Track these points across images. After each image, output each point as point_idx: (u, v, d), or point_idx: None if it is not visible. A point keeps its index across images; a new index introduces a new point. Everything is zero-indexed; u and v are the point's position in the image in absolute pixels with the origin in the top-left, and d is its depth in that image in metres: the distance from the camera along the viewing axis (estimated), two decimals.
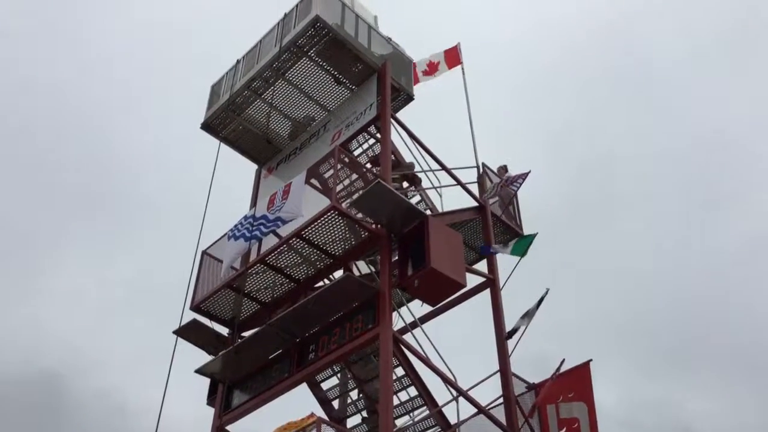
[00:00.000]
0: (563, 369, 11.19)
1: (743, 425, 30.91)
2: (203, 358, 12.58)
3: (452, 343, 12.07)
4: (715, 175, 39.52)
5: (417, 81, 15.08)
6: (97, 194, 38.91)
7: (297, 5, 13.45)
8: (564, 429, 11.31)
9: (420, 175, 13.77)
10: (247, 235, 11.72)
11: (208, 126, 14.77)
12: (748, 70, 40.81)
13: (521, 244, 13.42)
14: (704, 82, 41.50)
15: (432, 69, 15.51)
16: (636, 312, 34.18)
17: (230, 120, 14.56)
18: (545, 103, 41.64)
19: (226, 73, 14.76)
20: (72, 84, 40.06)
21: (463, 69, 15.63)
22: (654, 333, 34.19)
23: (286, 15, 13.61)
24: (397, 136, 13.30)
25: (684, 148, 40.59)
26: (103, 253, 38.60)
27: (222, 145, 14.87)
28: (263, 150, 15.02)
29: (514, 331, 12.06)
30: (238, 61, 14.52)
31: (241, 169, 15.58)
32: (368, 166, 13.66)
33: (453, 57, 15.80)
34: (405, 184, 13.73)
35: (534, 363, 11.70)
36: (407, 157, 13.71)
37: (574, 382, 11.23)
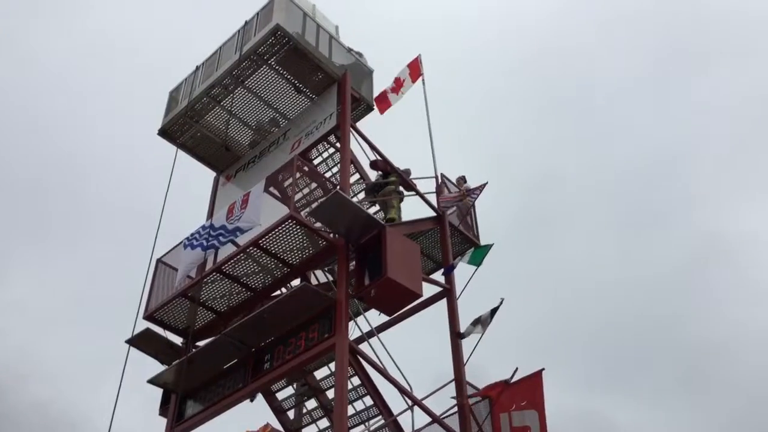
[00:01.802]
0: (516, 377, 11.33)
1: None
2: (154, 367, 12.38)
3: (408, 352, 12.12)
4: (654, 193, 40.89)
5: (388, 103, 14.92)
6: (44, 201, 37.79)
7: (258, 13, 13.44)
8: None
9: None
10: (205, 244, 11.63)
11: (165, 132, 14.61)
12: (687, 93, 42.41)
13: (478, 253, 13.64)
14: (644, 104, 42.91)
15: (399, 85, 15.59)
16: (572, 325, 34.99)
17: (188, 126, 14.43)
18: (489, 120, 42.46)
19: (185, 80, 14.64)
20: (19, 86, 38.98)
21: (423, 80, 15.77)
22: (589, 345, 34.98)
23: (246, 23, 13.59)
24: (356, 146, 13.38)
25: (624, 166, 41.93)
26: (49, 262, 37.46)
27: (179, 151, 14.70)
28: (222, 157, 14.91)
29: (465, 335, 12.17)
30: (197, 68, 14.41)
31: (198, 176, 15.45)
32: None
33: (415, 69, 15.93)
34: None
35: (473, 371, 11.88)
36: (366, 167, 13.78)
37: (527, 391, 11.38)
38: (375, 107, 14.09)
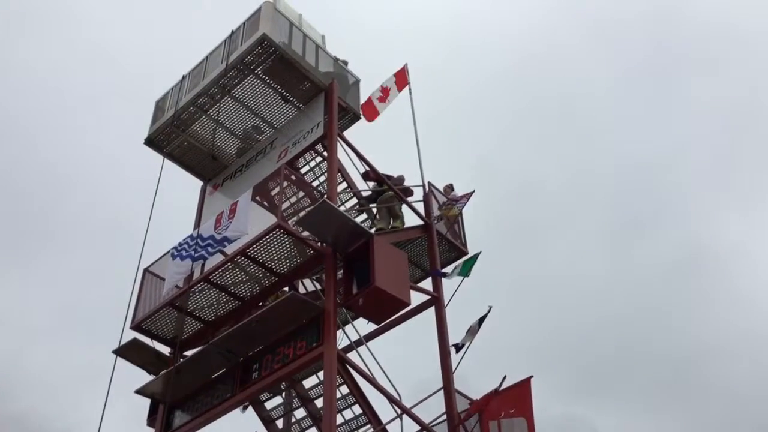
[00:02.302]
0: (505, 385, 11.38)
1: None
2: (141, 378, 12.30)
3: (397, 361, 12.15)
4: (638, 199, 41.29)
5: (376, 112, 15.00)
6: (27, 210, 37.30)
7: (244, 23, 13.47)
8: None
9: (365, 194, 13.89)
10: (194, 255, 11.62)
11: (151, 141, 14.58)
12: (671, 99, 42.87)
13: (467, 264, 13.69)
14: (627, 111, 43.29)
15: (385, 94, 15.67)
16: (556, 331, 35.21)
17: (175, 136, 14.41)
18: (470, 128, 42.70)
19: (171, 89, 14.63)
20: (1, 95, 38.63)
21: (410, 89, 15.88)
22: (573, 352, 35.19)
23: (233, 32, 13.61)
24: (344, 155, 13.43)
25: (607, 173, 42.30)
26: (32, 272, 36.99)
27: (166, 161, 14.67)
28: (208, 166, 14.91)
29: (461, 345, 12.25)
30: (183, 77, 14.41)
31: (185, 186, 15.42)
32: (362, 180, 13.62)
33: (401, 78, 16.03)
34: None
35: (461, 379, 11.95)
36: (353, 175, 13.83)
37: (516, 398, 11.44)
38: (362, 116, 14.13)
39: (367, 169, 13.51)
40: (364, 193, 13.95)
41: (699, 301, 36.79)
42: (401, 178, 13.78)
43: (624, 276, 38.46)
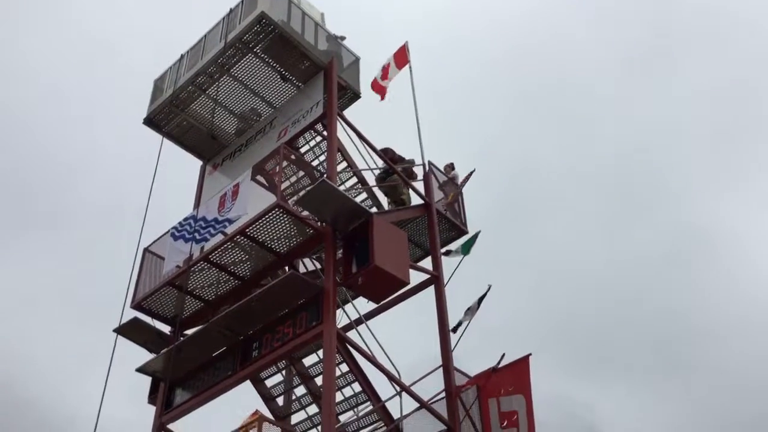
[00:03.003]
0: (503, 363, 11.47)
1: (646, 426, 32.38)
2: (141, 357, 12.36)
3: (396, 339, 12.22)
4: (635, 183, 41.34)
5: (382, 89, 14.98)
6: (25, 191, 37.23)
7: (242, 1, 13.35)
8: (505, 422, 11.59)
9: (365, 173, 13.89)
10: (197, 237, 11.66)
11: (150, 121, 14.53)
12: (669, 83, 42.74)
13: (466, 243, 13.74)
14: (625, 94, 43.22)
15: (385, 73, 15.60)
16: (555, 313, 35.42)
17: (174, 115, 14.35)
18: (468, 110, 42.56)
19: (170, 68, 14.54)
20: None
21: (410, 68, 15.77)
22: (570, 334, 35.42)
23: (231, 10, 13.49)
24: (343, 134, 13.39)
25: (605, 156, 42.28)
26: (31, 253, 36.94)
27: (165, 141, 14.63)
28: (208, 146, 14.86)
29: (458, 325, 12.34)
30: (182, 56, 14.32)
31: (184, 165, 15.40)
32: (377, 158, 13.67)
33: (401, 57, 15.92)
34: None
35: (460, 357, 12.07)
36: (353, 155, 13.81)
37: (514, 376, 11.53)
38: (361, 96, 14.04)
39: (387, 148, 13.54)
40: (365, 173, 13.94)
41: (694, 283, 37.03)
42: (411, 162, 13.80)
43: (621, 258, 38.66)
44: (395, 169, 13.49)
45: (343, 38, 14.19)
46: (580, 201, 40.90)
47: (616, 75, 43.69)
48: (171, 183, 15.63)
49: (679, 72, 42.37)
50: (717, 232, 37.86)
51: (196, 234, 11.51)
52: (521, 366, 11.35)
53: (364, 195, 14.08)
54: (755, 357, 32.17)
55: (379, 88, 14.68)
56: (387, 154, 13.60)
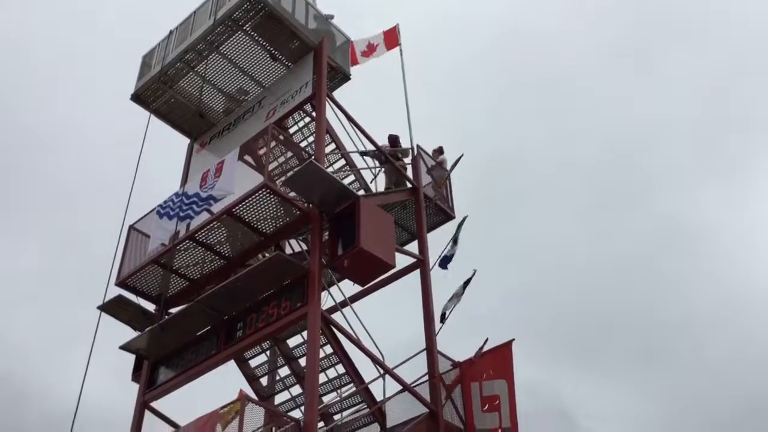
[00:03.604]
0: (486, 348, 11.54)
1: (620, 414, 32.90)
2: (122, 335, 12.32)
3: (381, 322, 12.27)
4: (617, 175, 41.74)
5: (356, 61, 15.11)
6: (7, 168, 36.71)
7: None
8: (486, 406, 11.69)
9: (353, 155, 13.84)
10: (181, 214, 11.58)
11: (138, 97, 14.37)
12: (651, 74, 42.96)
13: (457, 229, 13.77)
14: (608, 87, 43.49)
15: (371, 50, 15.54)
16: (537, 302, 35.71)
17: (162, 92, 14.20)
18: (453, 97, 42.53)
19: (158, 44, 14.36)
20: None
21: (401, 50, 15.69)
22: (550, 321, 35.72)
23: None
24: (332, 116, 13.32)
25: (587, 148, 42.57)
26: (14, 230, 36.63)
27: (153, 118, 14.49)
28: (196, 124, 14.74)
29: (443, 313, 12.40)
30: (170, 32, 14.13)
31: (172, 143, 15.27)
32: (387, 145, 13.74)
33: (392, 38, 15.84)
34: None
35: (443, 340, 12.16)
36: (342, 136, 13.76)
37: (496, 361, 11.61)
38: (351, 77, 13.96)
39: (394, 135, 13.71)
40: (352, 155, 13.89)
41: (674, 275, 37.48)
42: (407, 150, 13.85)
43: (602, 249, 39.06)
44: (386, 154, 13.47)
45: (331, 17, 14.04)
46: (563, 191, 41.29)
47: (599, 70, 44.25)
48: (158, 160, 15.52)
49: (661, 68, 42.80)
50: (696, 225, 38.42)
51: (179, 211, 11.43)
52: (504, 351, 11.42)
53: (351, 177, 14.04)
54: (732, 349, 32.73)
55: (354, 60, 14.61)
56: (394, 143, 13.63)
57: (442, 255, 13.16)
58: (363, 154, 13.65)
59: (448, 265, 13.25)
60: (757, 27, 40.17)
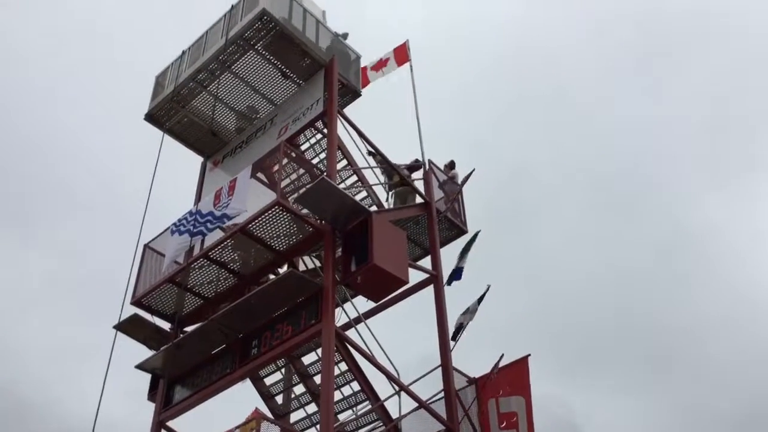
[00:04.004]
0: (502, 363, 11.45)
1: (629, 425, 32.46)
2: (136, 355, 12.34)
3: (395, 338, 12.22)
4: (623, 184, 41.57)
5: (367, 80, 15.17)
6: (24, 187, 37.13)
7: None
8: (504, 423, 11.59)
9: (365, 171, 13.86)
10: (193, 231, 11.62)
11: (151, 117, 14.50)
12: (657, 85, 43.00)
13: (467, 246, 13.71)
14: (614, 96, 43.61)
15: (381, 66, 15.61)
16: (545, 315, 35.49)
17: (175, 111, 14.32)
18: (464, 112, 42.64)
19: (171, 64, 14.51)
20: None
21: (411, 66, 15.75)
22: (558, 333, 35.42)
23: (233, 7, 13.44)
24: (344, 132, 13.36)
25: (593, 157, 42.62)
26: (31, 251, 36.90)
27: (166, 137, 14.61)
28: (209, 142, 14.84)
29: (457, 329, 12.30)
30: (183, 53, 14.28)
31: (185, 162, 15.38)
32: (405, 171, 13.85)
33: (402, 54, 15.91)
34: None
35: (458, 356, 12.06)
36: (353, 153, 13.80)
37: (513, 377, 11.51)
38: (362, 94, 14.03)
39: (418, 160, 13.81)
40: (364, 171, 13.92)
41: (684, 282, 37.20)
42: (419, 164, 13.90)
43: (611, 258, 38.90)
44: (402, 174, 13.50)
45: (345, 36, 14.16)
46: (571, 202, 41.22)
47: (605, 79, 44.35)
48: (172, 179, 15.63)
49: (668, 75, 42.87)
50: (703, 233, 38.16)
51: (192, 228, 11.48)
52: (520, 367, 11.34)
53: (363, 193, 14.05)
54: (741, 354, 32.30)
55: (365, 78, 14.69)
56: (414, 167, 13.83)
57: (454, 269, 13.08)
58: (370, 153, 13.65)
59: (456, 280, 13.15)
60: (758, 32, 40.12)
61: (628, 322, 36.34)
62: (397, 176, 13.70)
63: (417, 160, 14.03)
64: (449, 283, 12.97)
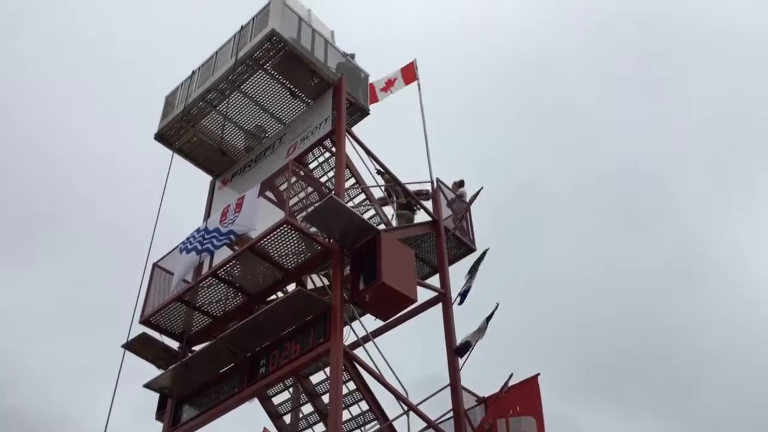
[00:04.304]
0: (511, 383, 11.35)
1: None
2: (143, 374, 12.34)
3: (404, 357, 12.15)
4: (636, 199, 41.31)
5: (376, 99, 15.26)
6: (33, 207, 37.31)
7: (253, 18, 13.46)
8: None
9: (373, 189, 13.89)
10: (199, 248, 11.64)
11: (161, 136, 14.63)
12: (669, 99, 42.90)
13: (475, 265, 13.65)
14: (625, 110, 43.43)
15: (389, 85, 15.71)
16: (554, 331, 35.17)
17: (184, 131, 14.45)
18: (469, 128, 42.73)
19: (181, 84, 14.66)
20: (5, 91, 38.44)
21: (419, 85, 15.84)
22: (571, 351, 35.05)
23: (242, 27, 13.60)
24: (352, 151, 13.42)
25: (606, 173, 42.35)
26: (38, 269, 36.95)
27: (175, 156, 14.72)
28: (218, 161, 14.94)
29: (464, 346, 12.20)
30: (193, 72, 14.44)
31: (194, 181, 15.47)
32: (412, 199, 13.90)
33: (409, 73, 16.01)
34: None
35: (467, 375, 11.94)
36: (361, 171, 13.83)
37: (523, 396, 11.39)
38: (370, 112, 14.11)
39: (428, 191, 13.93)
40: (373, 190, 13.96)
41: (697, 299, 36.77)
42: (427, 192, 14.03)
43: (621, 277, 38.55)
44: (411, 193, 13.53)
45: (352, 56, 14.28)
46: (581, 218, 40.96)
47: (616, 93, 44.22)
48: (182, 198, 15.72)
49: (679, 89, 42.67)
50: (719, 247, 37.78)
51: (198, 245, 11.51)
52: (530, 386, 11.22)
53: (372, 212, 14.06)
54: (760, 374, 31.80)
55: (371, 97, 14.78)
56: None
57: (461, 290, 13.00)
58: (379, 173, 13.70)
59: (465, 299, 13.09)
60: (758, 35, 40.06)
61: (642, 342, 35.90)
62: (402, 197, 13.71)
63: (426, 191, 14.07)
64: (461, 302, 12.89)
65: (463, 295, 12.77)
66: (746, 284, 37.10)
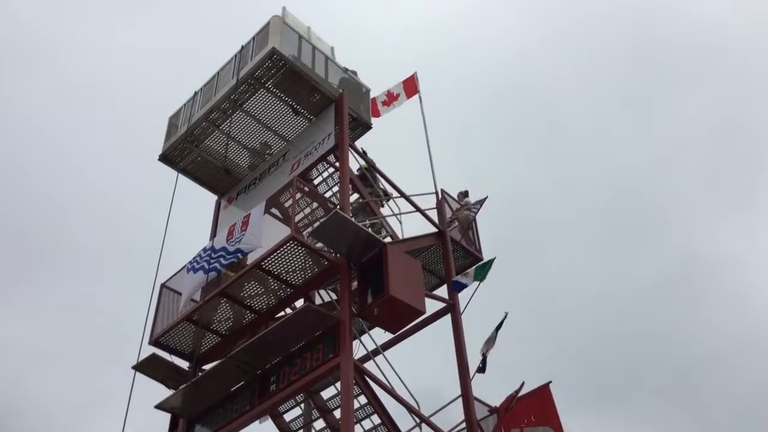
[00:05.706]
0: (522, 392, 11.30)
1: None
2: (154, 394, 12.33)
3: (414, 369, 12.11)
4: (630, 210, 41.44)
5: (378, 113, 15.32)
6: (35, 228, 37.41)
7: (254, 37, 13.58)
8: None
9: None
10: (207, 267, 11.68)
11: (166, 157, 14.72)
12: (664, 112, 43.21)
13: (481, 269, 13.59)
14: (621, 124, 43.76)
15: (391, 99, 15.78)
16: (555, 341, 35.05)
17: (189, 151, 14.54)
18: (468, 141, 42.87)
19: (184, 105, 14.78)
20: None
21: (420, 97, 15.91)
22: (573, 361, 34.87)
23: (243, 47, 13.72)
24: (356, 165, 13.45)
25: (599, 184, 42.53)
26: (47, 290, 37.03)
27: (180, 176, 14.80)
28: (222, 180, 15.02)
29: (484, 360, 12.10)
30: (195, 93, 14.55)
31: (200, 200, 15.54)
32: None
33: (411, 86, 16.08)
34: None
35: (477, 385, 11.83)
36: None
37: (537, 406, 11.34)
38: (372, 126, 14.17)
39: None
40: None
41: (698, 309, 36.67)
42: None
43: (620, 285, 38.51)
44: (412, 202, 13.55)
45: (354, 73, 14.39)
46: (579, 232, 41.01)
47: (614, 107, 44.57)
48: (188, 218, 15.77)
49: (676, 101, 42.95)
50: (718, 258, 37.74)
51: (206, 264, 11.55)
52: (543, 395, 11.16)
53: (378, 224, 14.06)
54: (761, 378, 31.58)
55: (373, 111, 14.85)
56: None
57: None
58: (385, 194, 13.75)
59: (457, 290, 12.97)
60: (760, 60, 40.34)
61: (643, 351, 35.73)
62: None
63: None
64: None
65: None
66: (745, 290, 37.09)
